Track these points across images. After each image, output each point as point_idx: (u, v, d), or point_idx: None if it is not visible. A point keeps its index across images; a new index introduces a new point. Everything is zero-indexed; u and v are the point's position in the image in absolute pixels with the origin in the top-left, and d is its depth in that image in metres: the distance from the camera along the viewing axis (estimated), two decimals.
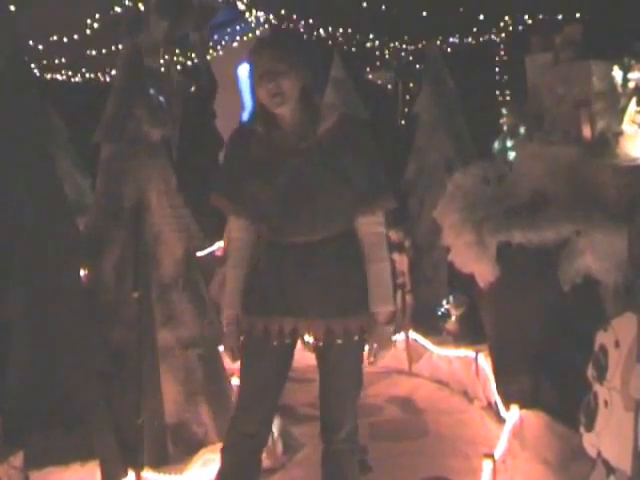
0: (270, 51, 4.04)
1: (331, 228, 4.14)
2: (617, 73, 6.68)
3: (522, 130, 7.54)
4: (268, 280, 4.18)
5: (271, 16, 12.99)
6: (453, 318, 8.69)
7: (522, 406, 6.04)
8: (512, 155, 7.41)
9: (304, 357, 4.89)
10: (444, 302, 9.02)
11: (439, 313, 9.12)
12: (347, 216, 4.19)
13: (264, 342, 4.18)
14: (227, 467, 4.35)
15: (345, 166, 4.12)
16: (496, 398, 6.87)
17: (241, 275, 4.31)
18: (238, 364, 4.37)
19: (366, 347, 4.28)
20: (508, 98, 13.40)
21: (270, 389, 4.31)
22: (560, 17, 10.91)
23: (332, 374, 4.28)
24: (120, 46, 6.81)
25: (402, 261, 9.61)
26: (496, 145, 8.15)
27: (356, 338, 4.19)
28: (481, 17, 12.12)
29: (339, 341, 4.14)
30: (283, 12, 12.79)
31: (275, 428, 6.28)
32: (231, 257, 4.39)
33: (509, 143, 7.68)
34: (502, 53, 13.82)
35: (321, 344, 4.21)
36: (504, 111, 8.29)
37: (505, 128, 8.15)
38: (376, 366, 4.36)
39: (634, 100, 6.58)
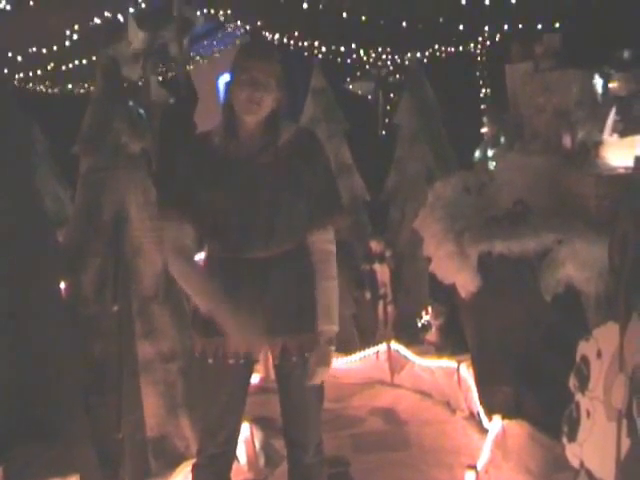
0: (265, 61, 4.00)
1: (287, 243, 4.08)
2: (597, 82, 6.70)
3: (502, 139, 7.56)
4: None
5: (249, 27, 13.00)
6: (433, 329, 8.68)
7: (504, 416, 6.03)
8: (493, 165, 7.43)
9: None
10: (423, 313, 9.02)
11: (419, 325, 9.12)
12: (302, 231, 4.15)
13: (222, 363, 4.12)
14: None
15: (302, 180, 4.07)
16: (478, 408, 6.86)
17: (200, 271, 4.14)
18: None
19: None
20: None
21: (233, 409, 4.25)
22: (540, 27, 10.95)
23: (296, 393, 4.22)
24: (99, 58, 6.78)
25: (383, 271, 9.61)
26: (477, 154, 8.17)
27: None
28: (461, 27, 12.16)
29: (294, 359, 4.11)
30: (263, 23, 12.80)
31: (257, 441, 6.26)
32: (189, 266, 4.10)
33: (490, 152, 7.70)
34: (482, 63, 13.87)
35: (278, 363, 4.17)
36: (485, 120, 8.32)
37: (486, 137, 8.18)
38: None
39: (614, 109, 6.60)
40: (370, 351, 9.06)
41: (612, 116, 6.59)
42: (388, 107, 15.07)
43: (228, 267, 4.07)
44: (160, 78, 13.39)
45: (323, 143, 4.29)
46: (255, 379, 4.46)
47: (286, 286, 4.07)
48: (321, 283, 4.14)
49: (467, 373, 7.28)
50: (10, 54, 10.89)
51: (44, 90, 13.94)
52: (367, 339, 9.95)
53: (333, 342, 4.14)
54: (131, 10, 11.01)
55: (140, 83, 10.94)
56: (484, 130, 8.44)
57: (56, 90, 14.08)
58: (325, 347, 4.09)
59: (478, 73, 14.21)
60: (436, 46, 13.36)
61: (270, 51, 4.22)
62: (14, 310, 5.38)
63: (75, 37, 10.90)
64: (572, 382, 4.70)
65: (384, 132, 14.97)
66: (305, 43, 13.31)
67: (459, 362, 7.54)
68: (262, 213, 4.00)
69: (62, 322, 5.69)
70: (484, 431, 6.47)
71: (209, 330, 4.08)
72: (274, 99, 4.01)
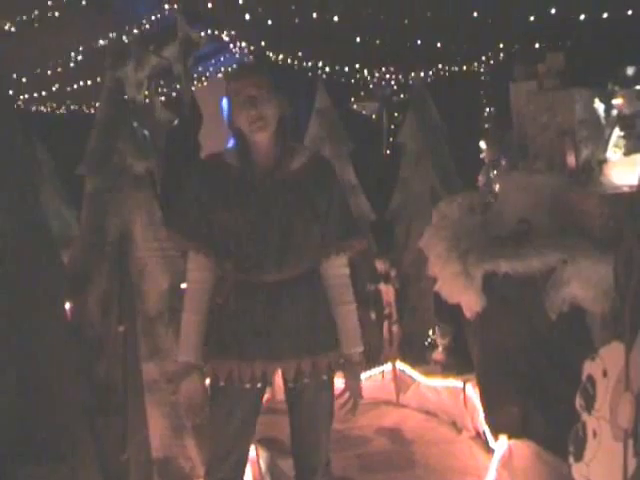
0: (251, 78, 4.05)
1: (300, 266, 4.10)
2: (600, 101, 6.70)
3: (503, 162, 7.55)
4: (238, 322, 4.06)
5: (254, 47, 13.02)
6: (440, 348, 8.67)
7: (511, 436, 6.01)
8: (497, 186, 7.42)
9: None
10: (430, 332, 9.00)
11: (426, 344, 9.10)
12: (316, 255, 4.17)
13: (236, 387, 4.11)
14: None
15: (316, 205, 4.10)
16: (485, 428, 6.84)
17: (199, 322, 4.14)
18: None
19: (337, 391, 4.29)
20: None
21: (243, 434, 4.24)
22: (543, 46, 10.95)
23: (307, 416, 4.22)
24: (104, 79, 6.78)
25: (388, 291, 9.57)
26: (480, 178, 8.16)
27: (325, 378, 4.16)
28: (465, 47, 12.17)
29: (306, 380, 4.11)
30: (268, 43, 12.82)
31: (262, 462, 6.23)
32: (189, 301, 4.19)
33: (492, 174, 7.68)
34: (486, 83, 13.87)
35: (292, 385, 4.17)
36: (483, 145, 8.30)
37: (486, 161, 8.17)
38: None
39: (617, 127, 6.61)
40: (375, 371, 9.03)
41: (616, 134, 6.59)
42: (392, 126, 15.08)
43: (241, 289, 4.08)
44: (164, 99, 13.42)
45: (335, 168, 4.33)
46: None
47: (299, 309, 4.08)
48: (341, 307, 4.20)
49: (473, 393, 7.26)
50: (15, 75, 10.91)
51: (49, 111, 13.96)
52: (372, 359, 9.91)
53: (362, 362, 4.32)
54: (135, 32, 11.05)
55: (144, 104, 10.95)
56: (483, 155, 8.43)
57: (61, 111, 14.10)
58: (357, 369, 4.29)
59: (482, 92, 14.21)
60: (440, 65, 13.38)
61: (254, 66, 4.32)
62: (19, 332, 5.38)
63: (80, 58, 10.93)
64: (578, 402, 4.69)
65: (389, 152, 14.96)
66: (309, 63, 13.33)
67: (465, 382, 7.52)
68: (275, 236, 4.02)
69: (66, 343, 5.69)
70: (490, 451, 6.44)
71: (222, 352, 4.08)
72: (275, 106, 4.06)
